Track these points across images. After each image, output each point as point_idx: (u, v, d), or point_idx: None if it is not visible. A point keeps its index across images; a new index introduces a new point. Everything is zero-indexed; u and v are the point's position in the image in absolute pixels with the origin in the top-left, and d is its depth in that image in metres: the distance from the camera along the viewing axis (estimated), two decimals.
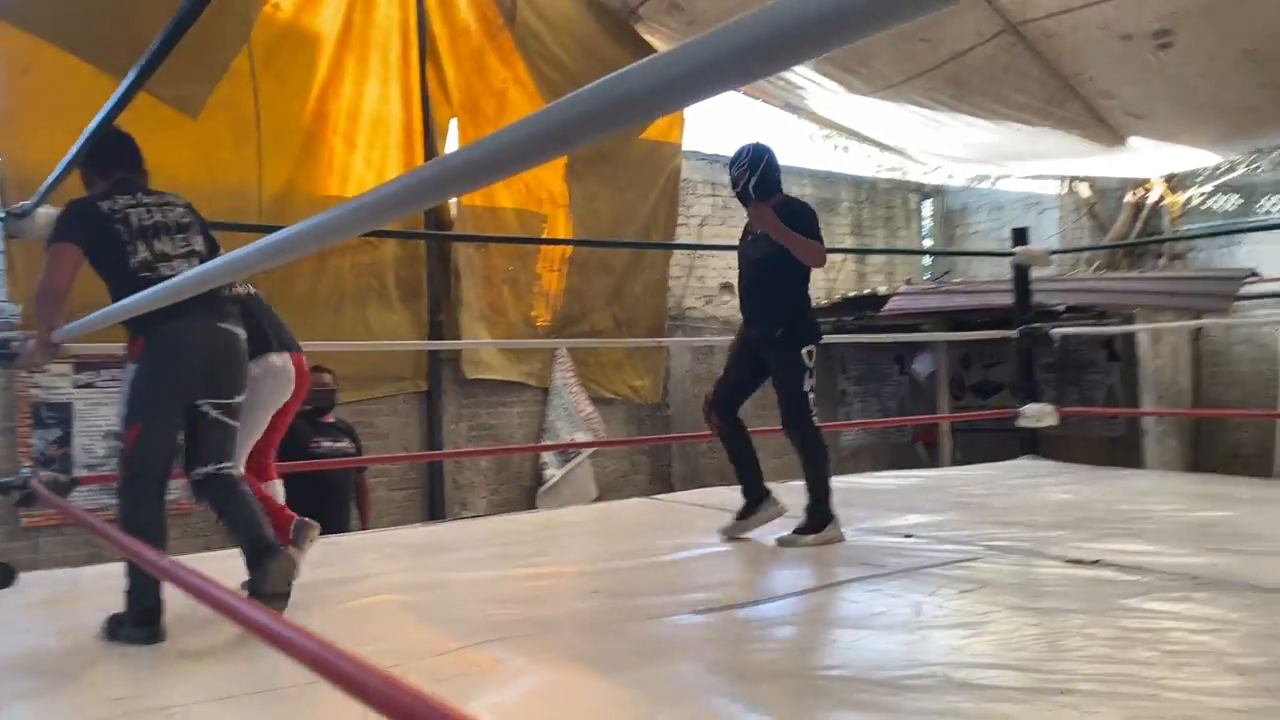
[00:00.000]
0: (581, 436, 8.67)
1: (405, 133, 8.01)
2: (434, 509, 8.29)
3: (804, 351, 3.78)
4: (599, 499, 8.69)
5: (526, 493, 8.75)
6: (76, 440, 6.75)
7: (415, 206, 1.18)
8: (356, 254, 7.86)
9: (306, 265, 7.47)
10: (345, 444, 5.78)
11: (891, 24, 0.74)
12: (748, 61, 0.79)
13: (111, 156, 3.08)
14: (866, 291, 9.81)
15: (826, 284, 10.78)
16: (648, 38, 8.69)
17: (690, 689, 2.07)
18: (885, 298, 9.15)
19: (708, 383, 9.75)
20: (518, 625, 2.64)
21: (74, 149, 2.79)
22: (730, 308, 10.06)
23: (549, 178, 8.69)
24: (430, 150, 8.13)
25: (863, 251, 11.25)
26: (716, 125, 15.49)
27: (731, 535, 3.91)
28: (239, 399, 2.97)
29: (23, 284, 6.35)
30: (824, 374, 10.60)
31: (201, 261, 2.97)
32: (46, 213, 3.51)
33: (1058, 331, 6.52)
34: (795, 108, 9.53)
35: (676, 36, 8.68)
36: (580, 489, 8.65)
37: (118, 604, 2.78)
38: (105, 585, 3.41)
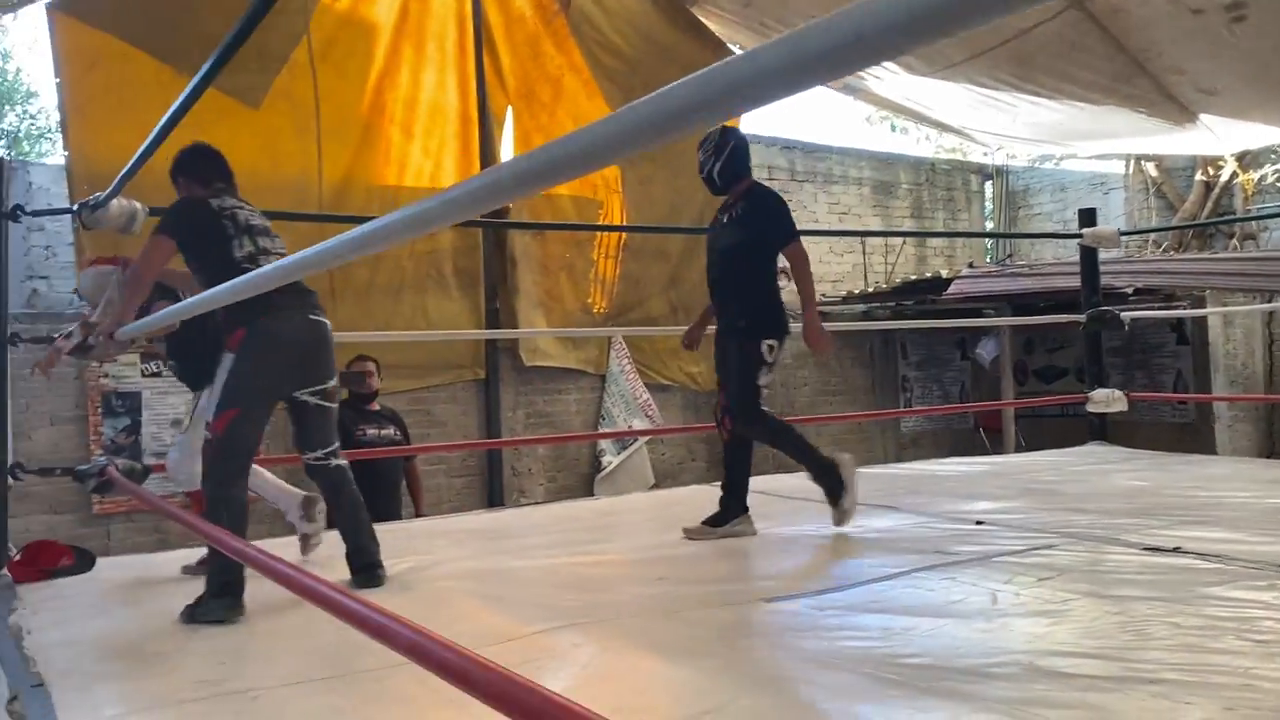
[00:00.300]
0: (638, 423, 8.66)
1: (462, 121, 8.04)
2: (493, 496, 8.34)
3: (764, 344, 3.69)
4: (656, 486, 8.69)
5: (584, 479, 8.77)
6: (145, 429, 6.89)
7: (509, 197, 1.16)
8: (415, 243, 7.90)
9: (366, 255, 7.54)
10: (391, 431, 5.82)
11: (977, 25, 0.70)
12: (829, 62, 0.77)
13: (213, 168, 3.30)
14: (929, 275, 9.66)
15: (885, 268, 10.65)
16: (704, 20, 8.62)
17: (769, 676, 2.04)
18: (947, 281, 9.00)
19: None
20: (588, 611, 2.64)
21: (147, 142, 2.82)
22: (788, 293, 9.98)
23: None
24: (486, 138, 8.15)
25: (924, 234, 11.10)
26: (772, 107, 15.33)
27: (694, 537, 3.72)
28: (332, 383, 3.20)
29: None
30: (884, 360, 10.49)
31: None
32: (120, 205, 3.57)
33: (1128, 315, 6.37)
34: (853, 89, 9.40)
35: (733, 20, 8.60)
36: (637, 476, 8.65)
37: (193, 589, 2.84)
38: (179, 571, 3.50)
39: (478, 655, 1.11)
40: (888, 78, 8.38)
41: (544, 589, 2.99)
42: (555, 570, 3.31)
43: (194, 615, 2.77)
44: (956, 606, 2.57)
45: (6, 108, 11.21)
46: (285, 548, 3.32)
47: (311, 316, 3.10)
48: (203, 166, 3.29)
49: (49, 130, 11.22)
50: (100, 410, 6.77)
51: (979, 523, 3.76)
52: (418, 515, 5.84)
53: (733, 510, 3.77)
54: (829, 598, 2.68)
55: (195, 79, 2.40)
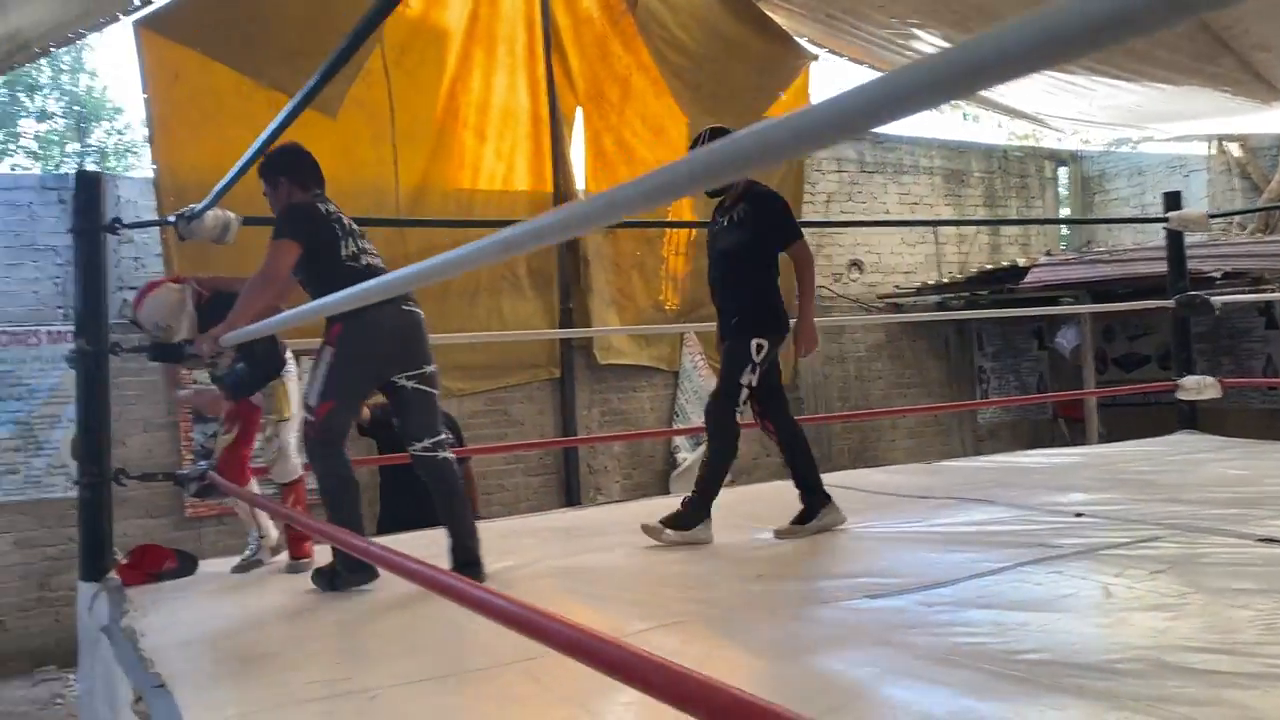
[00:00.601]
0: None
1: (533, 123, 8.09)
2: (570, 494, 8.39)
3: (753, 343, 3.59)
4: (731, 482, 8.65)
5: (659, 476, 8.78)
6: (219, 438, 7.02)
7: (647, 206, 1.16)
8: None
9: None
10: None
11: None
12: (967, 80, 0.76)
13: (313, 172, 3.40)
14: (1005, 264, 9.49)
15: (959, 258, 10.49)
16: (771, 15, 8.57)
17: (887, 673, 2.02)
18: (1023, 270, 8.83)
19: (840, 362, 9.67)
20: (692, 608, 2.63)
21: (247, 155, 2.88)
22: (860, 285, 9.89)
23: (667, 158, 8.66)
24: (557, 140, 8.19)
25: (999, 223, 10.89)
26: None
27: (785, 537, 3.67)
28: (430, 368, 3.30)
29: None
30: (959, 352, 10.33)
31: (381, 261, 3.37)
32: (215, 215, 3.64)
33: (1218, 299, 6.18)
34: None
35: (801, 13, 8.53)
36: None
37: (297, 588, 2.91)
38: (281, 573, 3.57)
39: (653, 654, 1.11)
40: None
41: (643, 587, 3.00)
42: (649, 568, 3.31)
43: (334, 584, 3.06)
44: (1068, 601, 2.52)
45: (94, 124, 11.53)
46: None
47: (404, 307, 3.22)
48: (305, 170, 3.38)
49: (134, 145, 11.53)
50: (190, 416, 6.94)
51: (1078, 515, 3.68)
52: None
53: (815, 504, 3.71)
54: (934, 593, 2.64)
55: (300, 93, 2.43)
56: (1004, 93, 8.88)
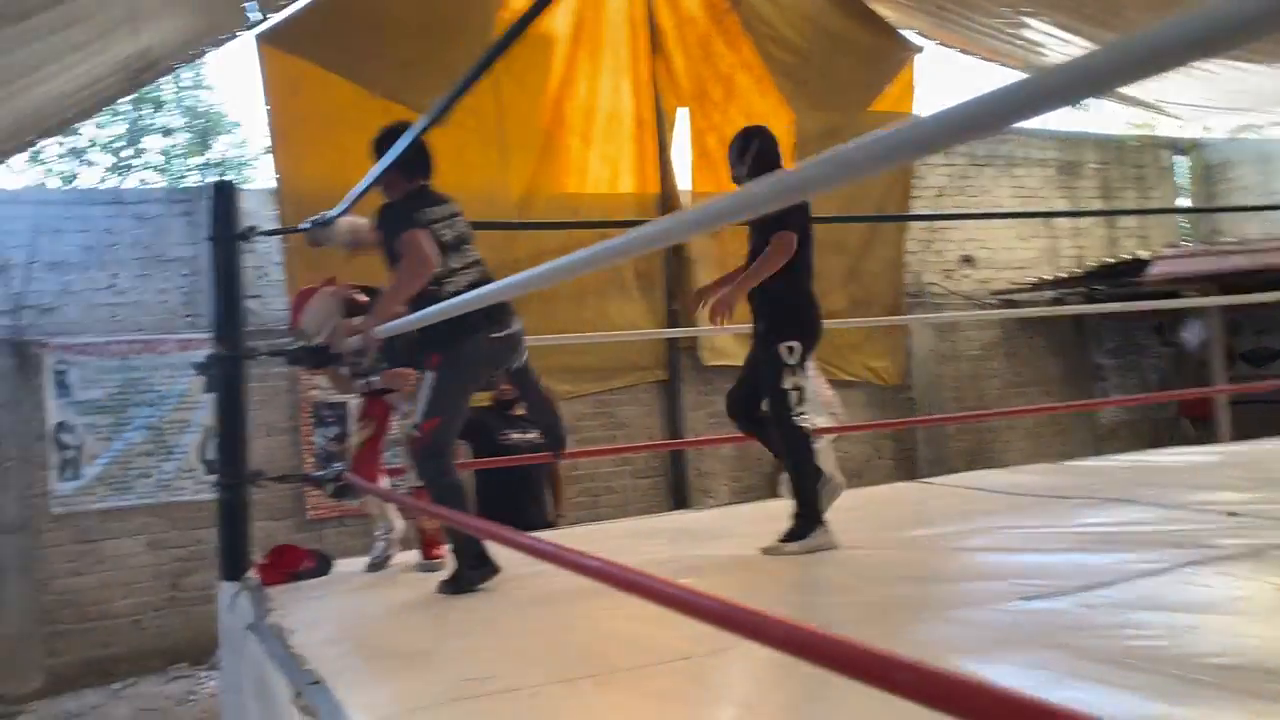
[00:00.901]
0: (822, 421, 8.49)
1: (637, 125, 8.10)
2: (678, 497, 8.36)
3: (783, 347, 3.45)
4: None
5: (767, 479, 8.68)
6: (353, 437, 7.18)
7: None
8: None
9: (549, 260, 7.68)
10: (534, 436, 5.63)
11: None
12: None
13: (420, 164, 3.37)
14: (1125, 257, 9.15)
15: (1075, 251, 10.16)
16: (878, 9, 8.44)
17: (1063, 676, 1.93)
18: (1144, 263, 8.50)
19: (953, 361, 9.45)
20: (842, 612, 2.57)
21: (382, 164, 2.92)
22: (972, 281, 9.65)
23: None
24: (661, 142, 8.19)
25: (1121, 213, 10.52)
26: (947, 90, 14.90)
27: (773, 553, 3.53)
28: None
29: None
30: (1076, 349, 10.01)
31: (481, 269, 3.34)
32: (348, 222, 3.71)
33: None
34: (1035, 67, 9.01)
35: (908, 5, 8.38)
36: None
37: (432, 587, 2.96)
38: (412, 572, 3.61)
39: (883, 649, 1.06)
40: (1076, 55, 8.00)
41: (783, 589, 2.95)
42: (786, 571, 3.25)
43: (457, 588, 3.11)
44: (1242, 604, 2.39)
45: (214, 138, 11.96)
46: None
47: (499, 334, 3.26)
48: (412, 163, 3.29)
49: (254, 157, 11.92)
50: (311, 420, 7.12)
51: (1232, 514, 3.50)
52: (558, 515, 5.70)
53: (810, 521, 3.47)
54: (1095, 595, 2.53)
55: (438, 107, 2.43)
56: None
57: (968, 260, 9.62)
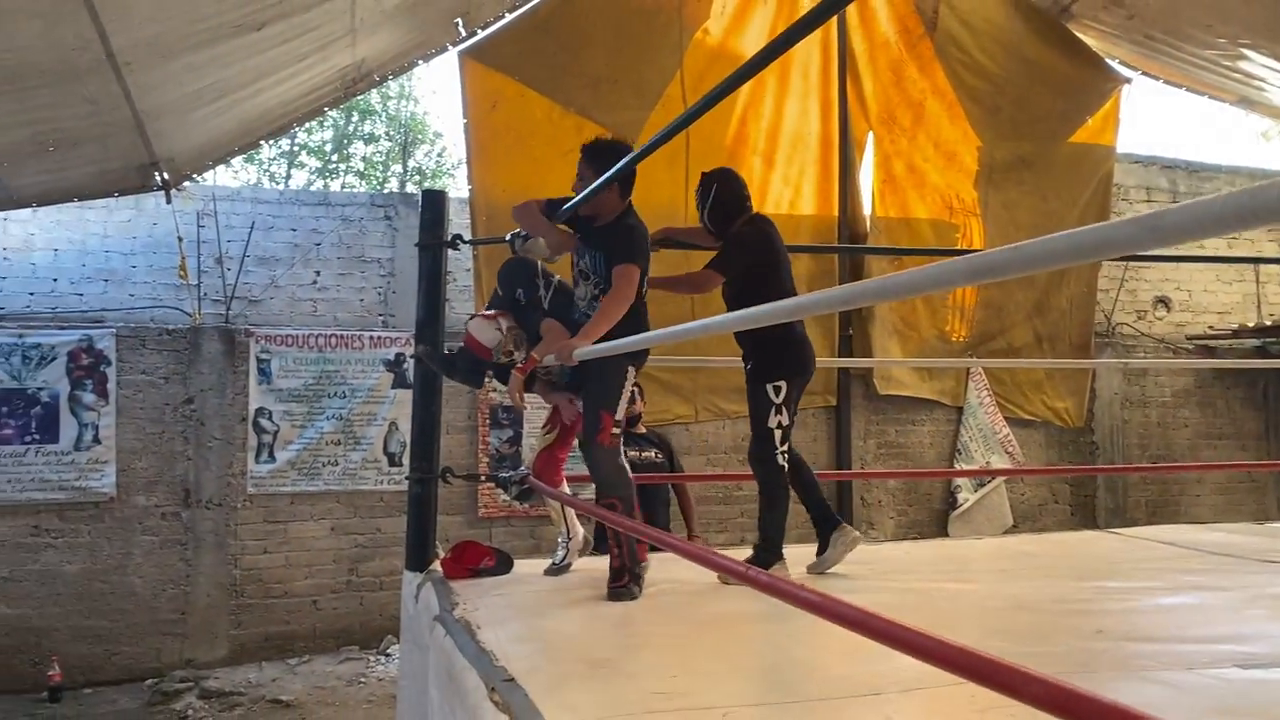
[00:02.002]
0: (997, 460, 8.25)
1: (823, 147, 8.06)
2: None
3: (769, 386, 3.51)
4: (1014, 528, 8.22)
5: (937, 515, 8.46)
6: (525, 440, 7.40)
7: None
8: None
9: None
10: (653, 454, 5.64)
11: None
12: None
13: (631, 183, 3.49)
14: None
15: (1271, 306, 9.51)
16: (1081, 35, 8.14)
17: None
18: None
19: (1141, 407, 8.99)
20: (1041, 662, 2.45)
21: (602, 179, 3.01)
22: (1167, 325, 9.17)
23: (959, 184, 8.38)
24: (846, 164, 8.12)
25: None
26: (1152, 124, 14.25)
27: (815, 571, 3.70)
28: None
29: (489, 299, 7.05)
30: (1277, 403, 9.35)
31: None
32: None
33: None
34: (1250, 102, 8.53)
35: (1113, 34, 8.07)
36: (995, 516, 8.23)
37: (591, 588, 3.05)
38: (584, 575, 3.68)
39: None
40: None
41: (977, 634, 2.86)
42: (967, 612, 3.16)
43: (617, 595, 3.26)
44: None
45: (415, 147, 12.55)
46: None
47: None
48: (629, 181, 3.46)
49: (450, 167, 12.44)
50: (488, 422, 7.36)
51: None
52: (690, 536, 5.59)
53: (769, 556, 3.54)
54: None
55: (671, 127, 2.47)
56: None
57: (1162, 302, 9.13)
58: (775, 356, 3.62)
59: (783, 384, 3.56)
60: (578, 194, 3.43)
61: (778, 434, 3.56)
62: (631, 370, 3.47)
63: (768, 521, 3.63)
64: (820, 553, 3.78)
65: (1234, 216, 0.81)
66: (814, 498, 3.85)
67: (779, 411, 3.56)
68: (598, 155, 3.39)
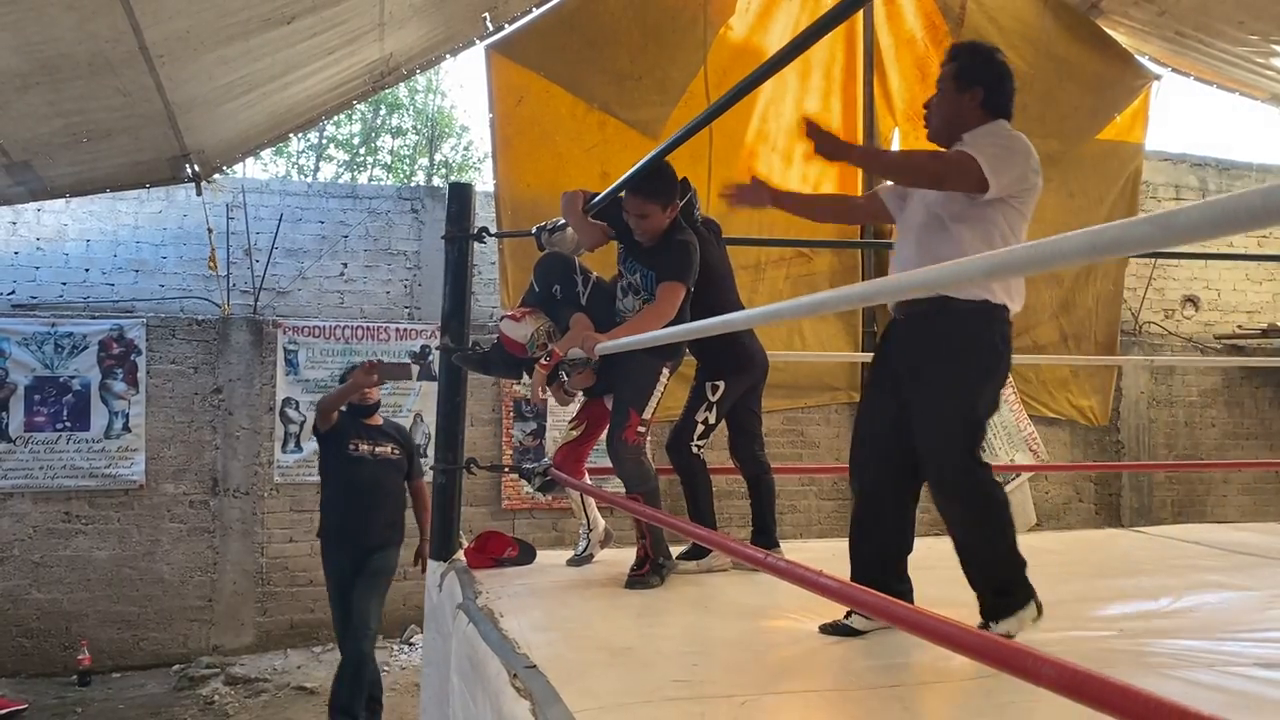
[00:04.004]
0: (1021, 457, 8.21)
1: None
2: None
3: (707, 385, 3.61)
4: (1038, 526, 8.19)
5: None
6: (548, 434, 7.44)
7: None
8: (791, 266, 8.00)
9: (744, 277, 7.71)
10: (388, 449, 5.31)
11: None
12: None
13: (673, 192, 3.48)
14: None
15: None
16: (1111, 32, 8.08)
17: None
18: None
19: (1168, 406, 8.93)
20: (1114, 660, 2.46)
21: (626, 175, 3.04)
22: (1195, 324, 9.10)
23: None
24: None
25: None
26: (1181, 120, 14.12)
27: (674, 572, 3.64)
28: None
29: (514, 294, 7.09)
30: None
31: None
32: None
33: None
34: None
35: (1143, 30, 8.00)
36: (1018, 514, 8.15)
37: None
38: (606, 566, 3.71)
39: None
40: None
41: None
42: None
43: (635, 584, 3.32)
44: None
45: (442, 141, 12.63)
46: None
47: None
48: (675, 188, 3.45)
49: (476, 161, 12.51)
50: (512, 415, 7.40)
51: None
52: (422, 539, 5.12)
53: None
54: None
55: (695, 124, 2.49)
56: None
57: (1191, 301, 9.07)
58: (719, 357, 3.65)
59: (721, 384, 3.61)
60: (635, 232, 3.45)
61: (699, 428, 3.64)
62: (666, 371, 3.50)
63: (700, 510, 3.68)
64: (687, 556, 3.71)
65: (1246, 215, 0.82)
66: (763, 509, 3.83)
67: (710, 409, 3.63)
68: (649, 180, 3.32)
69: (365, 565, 5.21)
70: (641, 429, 3.46)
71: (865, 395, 2.92)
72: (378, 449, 5.28)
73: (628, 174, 3.08)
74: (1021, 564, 2.55)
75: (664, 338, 2.93)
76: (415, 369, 6.56)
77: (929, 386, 2.55)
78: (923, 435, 2.55)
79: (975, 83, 2.62)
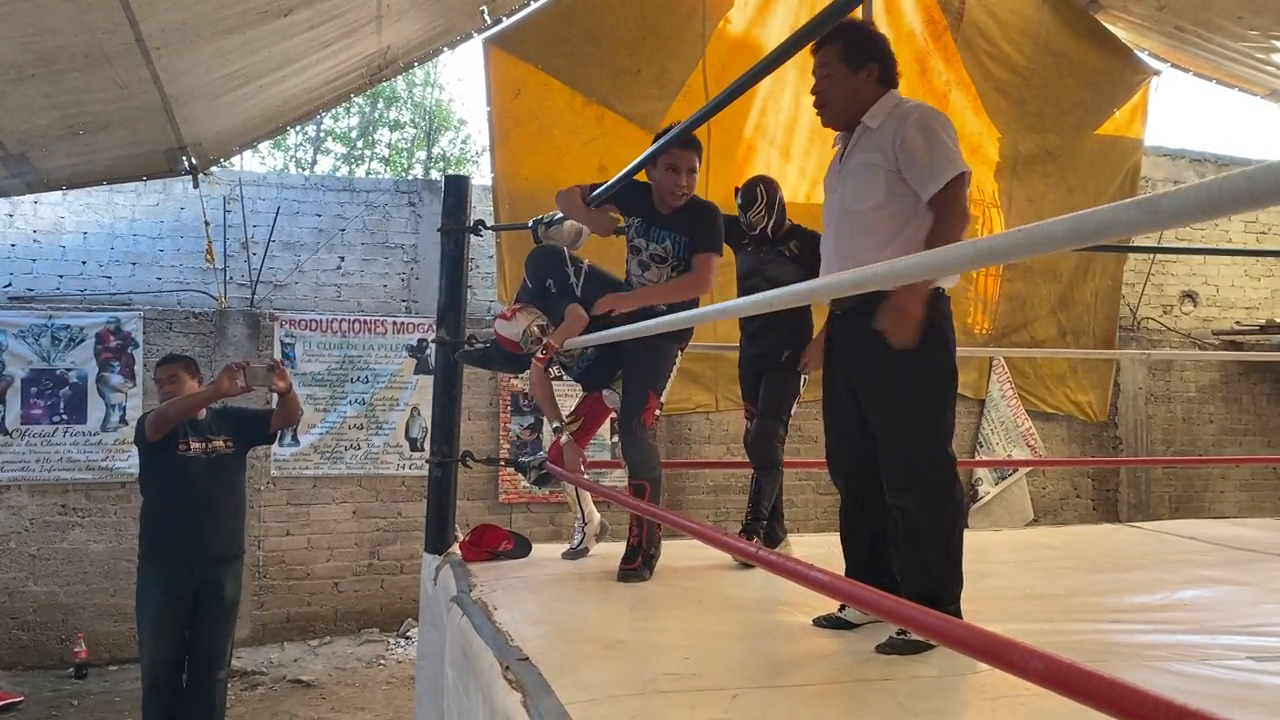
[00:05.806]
0: (1018, 453, 8.22)
1: None
2: None
3: (804, 377, 3.80)
4: (1035, 521, 8.20)
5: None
6: (545, 426, 7.43)
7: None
8: None
9: None
10: (221, 443, 4.60)
11: None
12: None
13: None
14: None
15: None
16: (1110, 27, 8.06)
17: None
18: None
19: (1166, 402, 8.93)
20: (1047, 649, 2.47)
21: (626, 170, 3.02)
22: (1193, 319, 9.09)
23: (980, 175, 8.32)
24: None
25: None
26: (1180, 116, 14.11)
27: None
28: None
29: (511, 287, 7.08)
30: None
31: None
32: (573, 224, 3.83)
33: None
34: None
35: (1143, 25, 7.98)
36: (1016, 509, 8.20)
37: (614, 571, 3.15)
38: (601, 559, 3.71)
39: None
40: None
41: (983, 619, 2.86)
42: (981, 600, 3.15)
43: (627, 577, 3.35)
44: None
45: (440, 134, 12.61)
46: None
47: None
48: None
49: (474, 154, 12.50)
50: (509, 408, 7.40)
51: None
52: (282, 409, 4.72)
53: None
54: None
55: (696, 117, 2.48)
56: None
57: (1189, 297, 9.06)
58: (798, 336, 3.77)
59: (809, 376, 3.74)
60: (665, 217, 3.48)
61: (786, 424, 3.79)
62: (678, 351, 3.55)
63: (762, 504, 3.76)
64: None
65: (1231, 199, 0.82)
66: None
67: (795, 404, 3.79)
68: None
69: (208, 590, 4.48)
70: (658, 412, 3.51)
71: (825, 391, 2.85)
72: (211, 444, 4.54)
73: (635, 163, 3.01)
74: (958, 578, 2.51)
75: (677, 322, 2.89)
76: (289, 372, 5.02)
77: (882, 382, 2.53)
78: (881, 427, 2.55)
79: (869, 59, 2.60)
